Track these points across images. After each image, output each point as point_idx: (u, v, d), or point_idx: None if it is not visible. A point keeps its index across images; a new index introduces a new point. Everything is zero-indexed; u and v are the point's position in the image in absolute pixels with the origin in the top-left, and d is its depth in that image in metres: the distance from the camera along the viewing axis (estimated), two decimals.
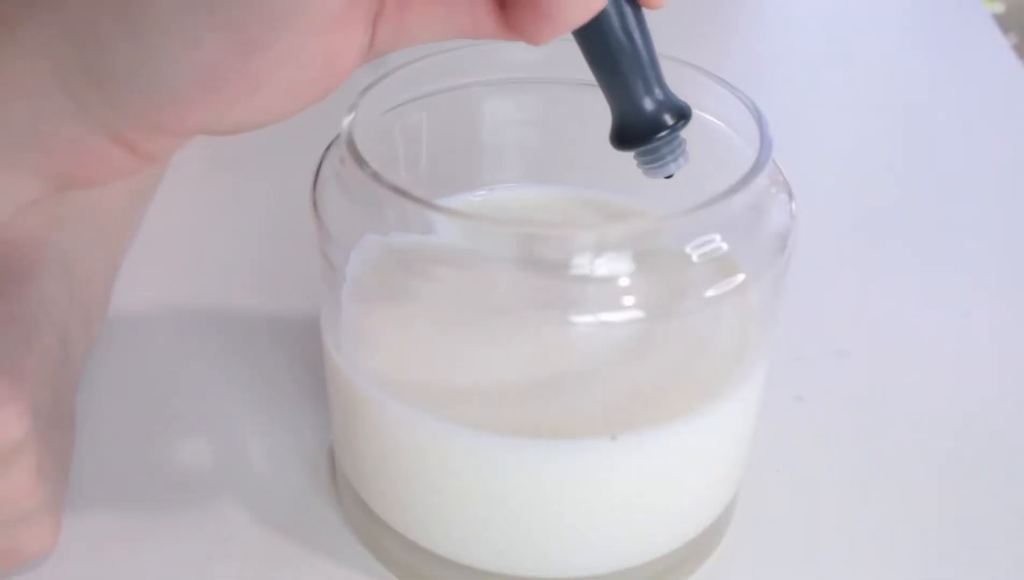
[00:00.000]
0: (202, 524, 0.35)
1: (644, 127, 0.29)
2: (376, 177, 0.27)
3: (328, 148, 0.31)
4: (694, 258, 0.27)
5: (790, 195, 0.30)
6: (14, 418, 0.30)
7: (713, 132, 0.32)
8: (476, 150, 0.37)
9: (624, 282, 0.27)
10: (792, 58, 0.70)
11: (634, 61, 0.28)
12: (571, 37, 0.27)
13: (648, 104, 0.28)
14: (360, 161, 0.28)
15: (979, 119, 0.62)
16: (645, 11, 0.27)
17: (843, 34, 0.73)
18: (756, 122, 0.30)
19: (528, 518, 0.30)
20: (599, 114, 0.29)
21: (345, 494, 0.35)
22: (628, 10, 0.27)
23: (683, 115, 0.29)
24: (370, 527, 0.34)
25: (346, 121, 0.30)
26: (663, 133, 0.29)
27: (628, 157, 0.30)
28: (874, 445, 0.39)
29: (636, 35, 0.27)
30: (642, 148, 0.29)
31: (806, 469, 0.38)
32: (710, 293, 0.27)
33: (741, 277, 0.28)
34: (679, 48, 0.31)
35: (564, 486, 0.30)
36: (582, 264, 0.27)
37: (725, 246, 0.27)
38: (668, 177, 0.30)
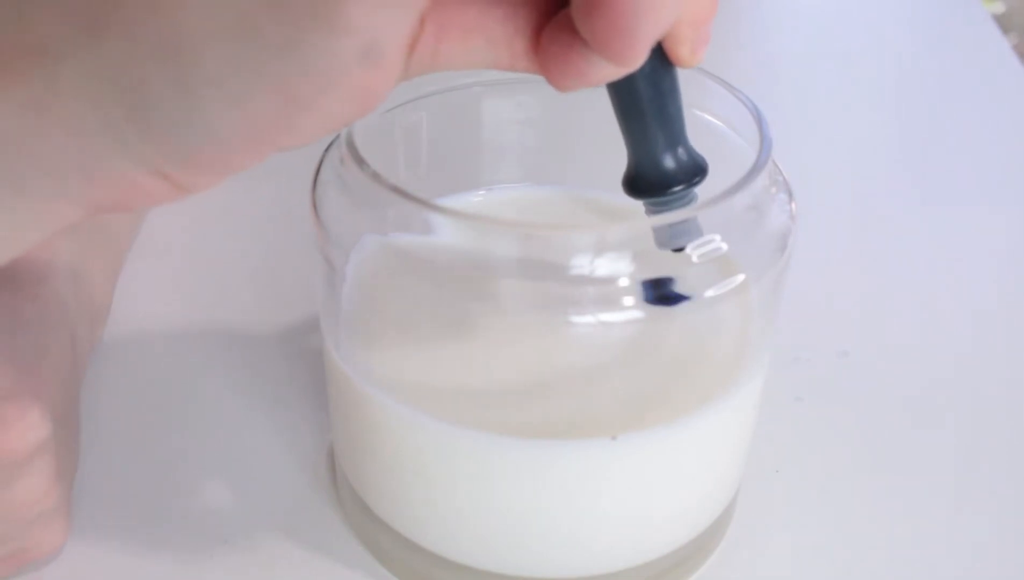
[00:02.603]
0: (202, 524, 0.35)
1: (659, 180, 0.28)
2: (376, 177, 0.27)
3: (328, 148, 0.31)
4: (694, 258, 0.27)
5: (790, 195, 0.30)
6: (38, 421, 0.30)
7: (713, 132, 0.32)
8: (476, 150, 0.37)
9: (624, 282, 0.27)
10: (792, 58, 0.70)
11: (660, 118, 0.27)
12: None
13: (667, 159, 0.28)
14: (360, 161, 0.28)
15: (979, 119, 0.62)
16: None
17: (843, 34, 0.73)
18: (756, 122, 0.30)
19: (528, 518, 0.30)
20: (599, 114, 0.29)
21: (345, 494, 0.35)
22: (660, 69, 0.26)
23: (700, 172, 0.28)
24: (370, 527, 0.34)
25: None
26: (677, 189, 0.28)
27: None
28: (874, 445, 0.39)
29: (666, 93, 0.27)
30: (654, 200, 0.29)
31: (806, 469, 0.38)
32: (710, 293, 0.27)
33: (741, 277, 0.28)
34: None
35: (564, 486, 0.30)
36: (582, 264, 0.27)
37: (725, 246, 0.27)
38: (678, 250, 0.29)
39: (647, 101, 0.27)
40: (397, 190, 0.27)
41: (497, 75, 0.34)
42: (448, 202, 0.36)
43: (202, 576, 0.34)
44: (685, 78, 0.28)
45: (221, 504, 0.36)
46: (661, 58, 0.26)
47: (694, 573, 0.34)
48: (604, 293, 0.27)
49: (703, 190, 0.28)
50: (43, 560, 0.34)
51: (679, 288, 0.28)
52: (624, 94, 0.27)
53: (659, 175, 0.28)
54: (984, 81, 0.67)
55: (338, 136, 0.30)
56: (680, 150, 0.28)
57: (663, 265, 0.27)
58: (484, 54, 0.24)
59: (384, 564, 0.34)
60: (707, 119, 0.32)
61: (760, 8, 0.78)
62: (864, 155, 0.58)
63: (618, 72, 0.23)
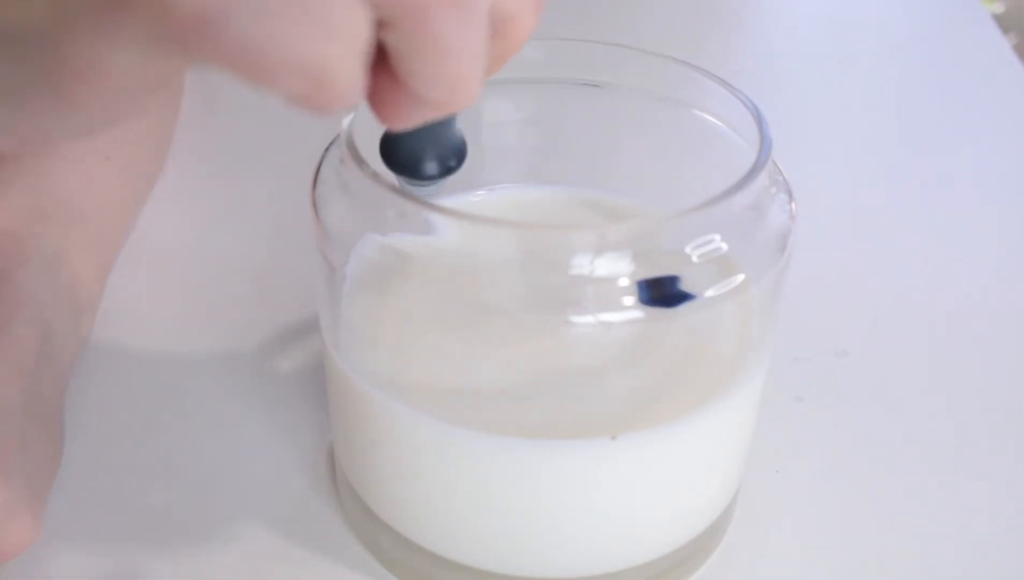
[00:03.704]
0: (202, 524, 0.35)
1: (414, 172, 0.29)
2: (376, 177, 0.27)
3: (328, 148, 0.31)
4: (694, 258, 0.27)
5: (790, 195, 0.30)
6: None
7: (713, 132, 0.32)
8: (476, 150, 0.37)
9: (624, 282, 0.27)
10: (792, 58, 0.70)
11: (431, 136, 0.28)
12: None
13: (429, 163, 0.28)
14: (360, 161, 0.28)
15: (979, 119, 0.62)
16: None
17: (843, 34, 0.73)
18: (756, 122, 0.30)
19: (528, 518, 0.30)
20: (599, 114, 0.29)
21: (345, 494, 0.35)
22: None
23: (458, 160, 0.29)
24: (370, 527, 0.34)
25: (346, 121, 0.30)
26: (433, 175, 0.29)
27: (628, 157, 0.30)
28: (874, 445, 0.39)
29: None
30: (406, 179, 0.29)
31: (806, 469, 0.38)
32: (710, 293, 0.27)
33: (741, 277, 0.28)
34: (679, 47, 0.31)
35: (564, 486, 0.30)
36: (582, 264, 0.27)
37: (725, 246, 0.27)
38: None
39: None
40: (397, 190, 0.27)
41: (497, 75, 0.34)
42: (448, 202, 0.36)
43: (202, 576, 0.34)
44: (687, 78, 0.28)
45: (221, 504, 0.36)
46: None
47: (694, 573, 0.34)
48: (604, 293, 0.27)
49: (703, 189, 0.28)
50: (37, 561, 0.33)
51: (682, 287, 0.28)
52: None
53: (415, 170, 0.29)
54: (984, 81, 0.67)
55: (338, 136, 0.30)
56: (444, 150, 0.29)
57: (663, 265, 0.27)
58: None
59: (384, 564, 0.34)
60: (707, 119, 0.32)
61: (760, 8, 0.78)
62: (864, 155, 0.58)
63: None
